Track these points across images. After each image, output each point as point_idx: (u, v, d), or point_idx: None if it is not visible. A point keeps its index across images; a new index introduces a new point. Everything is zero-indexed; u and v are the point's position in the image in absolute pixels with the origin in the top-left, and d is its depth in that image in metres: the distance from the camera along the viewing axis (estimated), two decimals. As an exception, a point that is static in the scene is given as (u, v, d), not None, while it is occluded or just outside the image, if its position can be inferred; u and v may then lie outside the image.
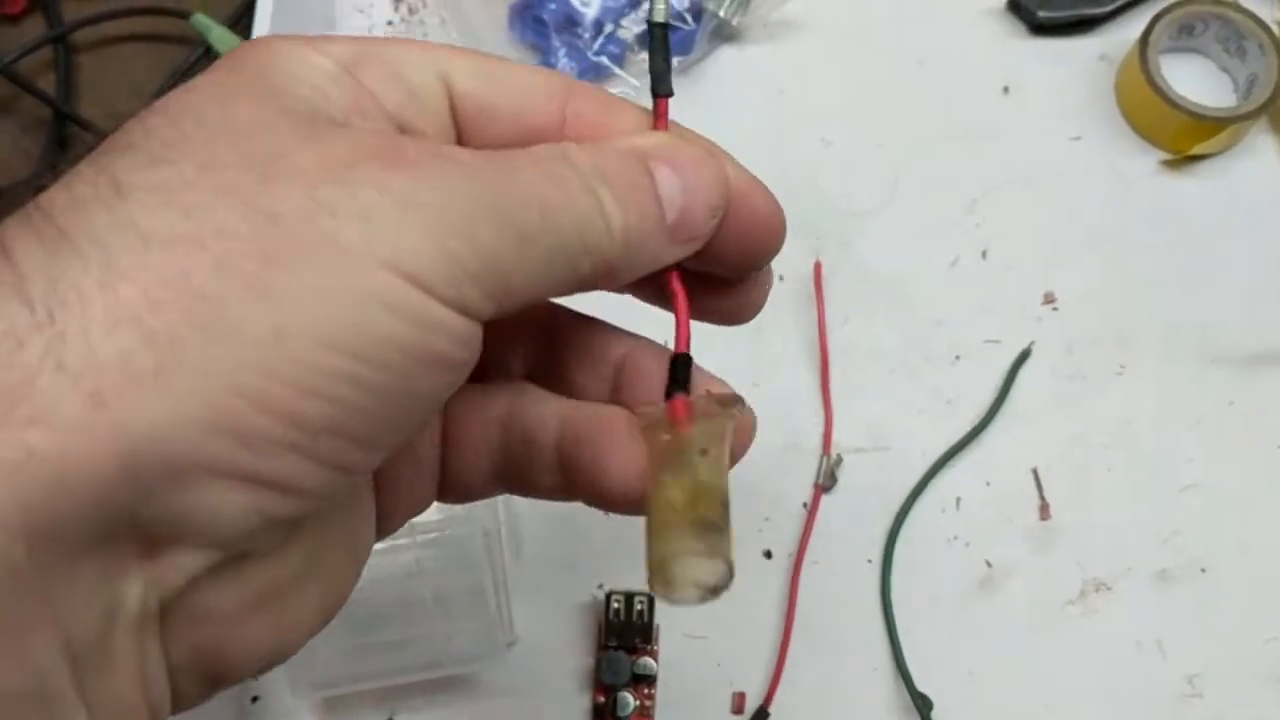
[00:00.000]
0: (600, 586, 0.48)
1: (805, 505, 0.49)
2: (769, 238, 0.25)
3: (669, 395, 0.25)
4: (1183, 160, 0.53)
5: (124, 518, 0.18)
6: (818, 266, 0.51)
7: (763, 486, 0.48)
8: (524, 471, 0.26)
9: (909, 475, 0.49)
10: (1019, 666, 0.47)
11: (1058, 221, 0.53)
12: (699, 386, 0.25)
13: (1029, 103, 0.55)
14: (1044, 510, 0.49)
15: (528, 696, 0.47)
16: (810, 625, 0.47)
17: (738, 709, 0.47)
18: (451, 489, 0.27)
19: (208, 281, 0.18)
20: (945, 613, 0.48)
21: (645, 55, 0.27)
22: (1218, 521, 0.48)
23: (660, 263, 0.24)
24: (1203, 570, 0.48)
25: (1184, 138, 0.53)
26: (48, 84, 0.58)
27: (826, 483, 0.49)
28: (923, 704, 0.45)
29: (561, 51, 0.54)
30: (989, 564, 0.48)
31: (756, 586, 0.48)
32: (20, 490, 0.17)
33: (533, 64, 0.55)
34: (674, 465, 0.24)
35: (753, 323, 0.55)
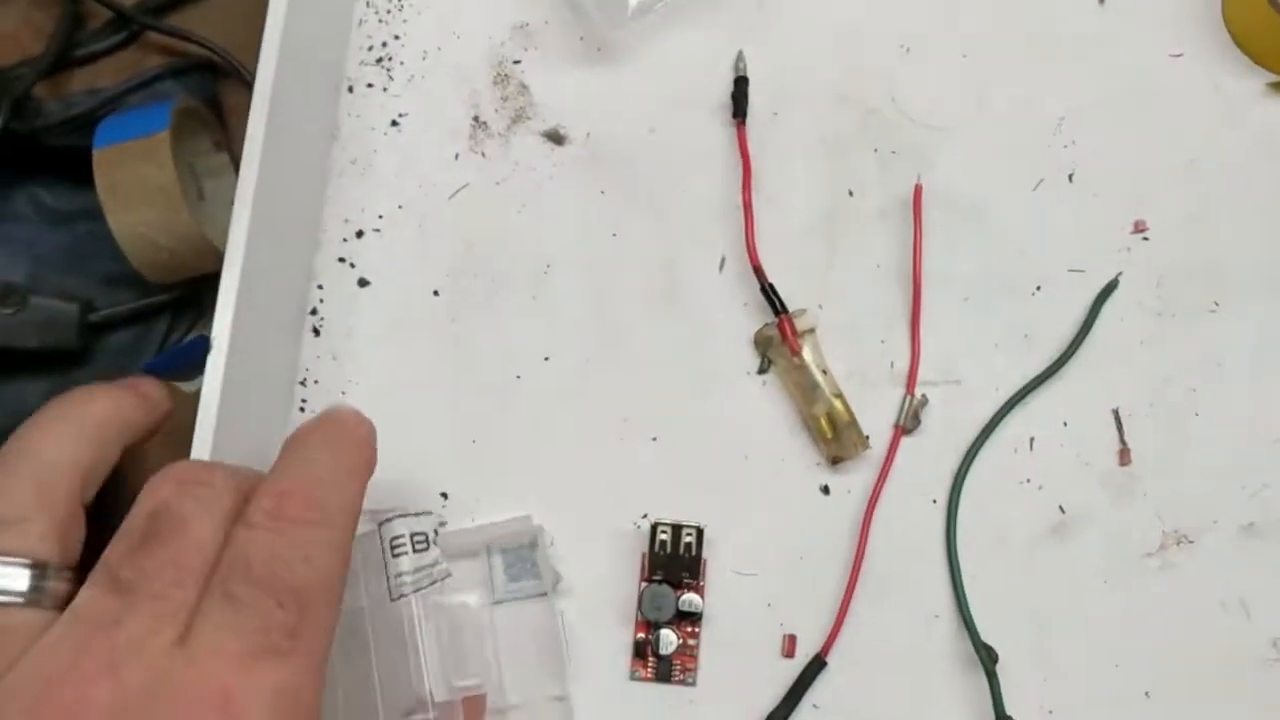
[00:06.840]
0: (644, 517, 0.45)
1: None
2: None
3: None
4: (1292, 83, 0.49)
5: None
6: (918, 190, 0.46)
7: (823, 418, 0.45)
8: None
9: (980, 412, 0.46)
10: (1090, 621, 0.44)
11: (1152, 144, 0.49)
12: None
13: (1127, 14, 0.50)
14: (1124, 455, 0.45)
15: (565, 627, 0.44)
16: (868, 568, 0.44)
17: (788, 653, 0.44)
18: None
19: None
20: (1014, 560, 0.45)
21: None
22: (1312, 475, 0.45)
23: None
24: (1294, 526, 0.45)
25: (1296, 58, 0.48)
26: (61, -45, 0.53)
27: (909, 425, 0.45)
28: (987, 656, 0.43)
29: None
30: (1062, 510, 0.45)
31: (811, 524, 0.45)
32: None
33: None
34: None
35: (828, 246, 0.51)
